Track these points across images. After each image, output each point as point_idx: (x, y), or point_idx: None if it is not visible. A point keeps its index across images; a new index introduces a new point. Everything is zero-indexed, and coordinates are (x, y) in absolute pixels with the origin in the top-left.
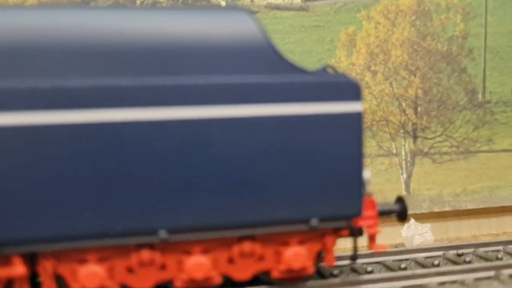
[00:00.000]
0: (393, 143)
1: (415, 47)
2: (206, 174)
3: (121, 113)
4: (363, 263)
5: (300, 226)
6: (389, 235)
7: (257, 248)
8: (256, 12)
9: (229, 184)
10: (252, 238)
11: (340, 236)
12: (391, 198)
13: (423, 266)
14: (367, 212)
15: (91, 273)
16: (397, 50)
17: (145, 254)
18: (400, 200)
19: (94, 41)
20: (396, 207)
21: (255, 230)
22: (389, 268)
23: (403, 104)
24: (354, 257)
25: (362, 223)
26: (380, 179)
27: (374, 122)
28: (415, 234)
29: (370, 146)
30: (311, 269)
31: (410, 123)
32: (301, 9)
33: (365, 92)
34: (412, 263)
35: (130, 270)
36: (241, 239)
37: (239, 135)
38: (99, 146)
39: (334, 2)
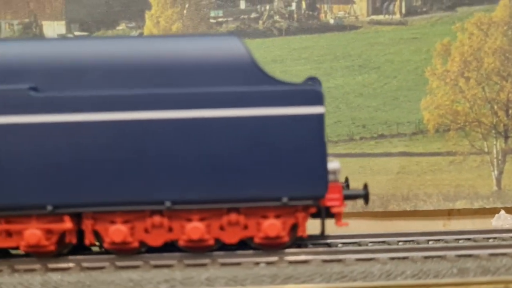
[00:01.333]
0: (485, 142)
1: (507, 54)
2: (201, 160)
3: (142, 114)
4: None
5: (274, 203)
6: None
7: (241, 219)
8: (359, 27)
9: (218, 168)
10: (237, 211)
11: (309, 213)
12: (482, 192)
13: None
14: (334, 195)
15: (118, 231)
16: (489, 57)
17: (156, 219)
18: (365, 187)
19: (127, 63)
20: (361, 192)
21: (239, 204)
22: None
23: (495, 107)
24: (322, 232)
25: (328, 203)
26: (472, 175)
27: (467, 123)
28: (504, 224)
29: (462, 145)
30: (285, 238)
31: (502, 124)
32: (400, 23)
33: (459, 96)
34: None
35: (146, 230)
36: (229, 211)
37: (226, 131)
38: (126, 138)
39: (430, 17)
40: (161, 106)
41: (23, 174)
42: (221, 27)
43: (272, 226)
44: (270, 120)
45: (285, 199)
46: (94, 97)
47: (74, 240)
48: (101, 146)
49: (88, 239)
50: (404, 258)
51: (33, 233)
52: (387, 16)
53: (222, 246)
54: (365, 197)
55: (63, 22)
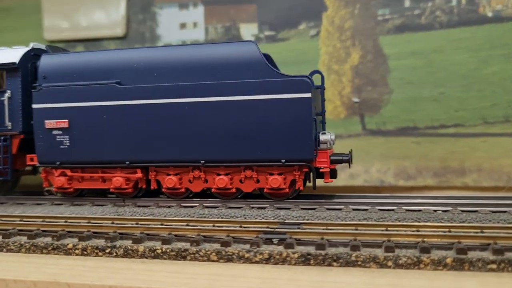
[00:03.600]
0: None
1: None
2: (225, 132)
3: (187, 99)
4: None
5: (276, 164)
6: None
7: (254, 174)
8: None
9: (237, 137)
10: (251, 169)
11: (304, 172)
12: None
13: None
14: (322, 159)
15: (170, 180)
16: None
17: (196, 172)
18: (349, 153)
19: (180, 63)
20: (344, 157)
21: (251, 164)
22: None
23: None
24: (313, 186)
25: (318, 165)
26: None
27: None
28: None
29: None
30: (286, 190)
31: None
32: None
33: None
34: None
35: (189, 180)
36: (245, 169)
37: (242, 111)
38: (177, 116)
39: None
40: (200, 94)
41: (112, 140)
42: (387, 23)
43: (275, 180)
44: (273, 102)
45: (283, 161)
46: (157, 87)
47: (144, 186)
48: (161, 122)
49: (152, 185)
50: None
51: (117, 179)
52: None
53: (241, 194)
54: (348, 161)
55: (256, 24)
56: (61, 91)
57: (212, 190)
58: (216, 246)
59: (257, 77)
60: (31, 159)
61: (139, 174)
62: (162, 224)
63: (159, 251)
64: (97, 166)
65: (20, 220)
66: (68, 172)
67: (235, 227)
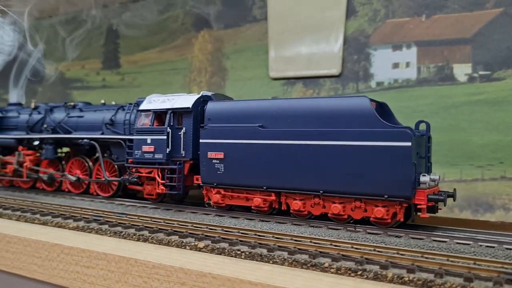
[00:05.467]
0: None
1: None
2: (340, 170)
3: (310, 142)
4: None
5: (380, 198)
6: None
7: (362, 205)
8: None
9: (350, 175)
10: (360, 200)
11: (404, 206)
12: None
13: None
14: (420, 197)
15: (297, 203)
16: None
17: (316, 200)
18: (451, 192)
19: (304, 112)
20: (440, 197)
21: (361, 196)
22: None
23: None
24: (412, 219)
25: (416, 201)
26: None
27: None
28: None
29: None
30: (389, 220)
31: None
32: None
33: None
34: None
35: (311, 205)
36: (355, 200)
37: (355, 153)
38: (302, 154)
39: None
40: (320, 138)
41: (254, 170)
42: None
43: (379, 211)
44: (379, 148)
45: (386, 196)
46: (289, 131)
47: (276, 206)
48: (291, 158)
49: (283, 206)
50: None
51: (257, 199)
52: None
53: (351, 220)
54: (443, 200)
55: (470, 64)
56: (220, 130)
57: (329, 214)
58: (459, 280)
59: (368, 127)
60: (197, 179)
61: (273, 197)
62: (397, 253)
63: (406, 279)
64: (243, 188)
65: (274, 237)
66: (222, 191)
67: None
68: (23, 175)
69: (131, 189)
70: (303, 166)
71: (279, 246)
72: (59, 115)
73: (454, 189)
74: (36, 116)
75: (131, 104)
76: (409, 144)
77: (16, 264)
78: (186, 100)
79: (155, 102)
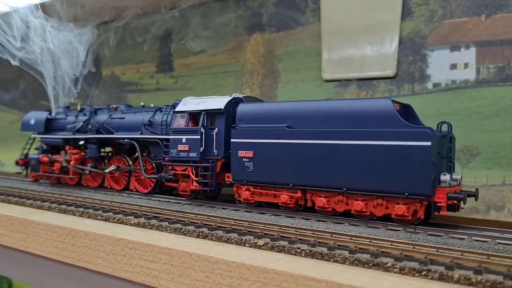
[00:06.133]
0: None
1: None
2: (363, 168)
3: (333, 141)
4: None
5: (401, 196)
6: None
7: (384, 202)
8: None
9: (372, 173)
10: (382, 198)
11: (424, 204)
12: None
13: None
14: (440, 195)
15: (321, 200)
16: None
17: (340, 197)
18: (471, 193)
19: (329, 114)
20: (460, 196)
21: (382, 194)
22: None
23: None
24: (431, 217)
25: (436, 199)
26: None
27: None
28: None
29: None
30: (410, 217)
31: None
32: None
33: None
34: None
35: (335, 202)
36: (378, 197)
37: (378, 152)
38: (326, 153)
39: None
40: (344, 138)
41: (281, 168)
42: None
43: (400, 208)
44: (401, 147)
45: (406, 194)
46: (315, 131)
47: (302, 203)
48: (316, 156)
49: (308, 203)
50: None
51: (284, 196)
52: None
53: (374, 217)
54: (463, 199)
55: None
56: (249, 130)
57: (352, 211)
58: None
59: (390, 127)
60: (228, 177)
61: (299, 194)
62: (461, 255)
63: (473, 280)
64: (271, 186)
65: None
66: (251, 188)
67: None
68: (69, 172)
69: (167, 186)
70: (328, 164)
71: (339, 245)
72: (102, 117)
73: (476, 189)
74: (82, 118)
75: (168, 106)
76: (429, 143)
77: (81, 258)
78: (218, 102)
79: (190, 104)
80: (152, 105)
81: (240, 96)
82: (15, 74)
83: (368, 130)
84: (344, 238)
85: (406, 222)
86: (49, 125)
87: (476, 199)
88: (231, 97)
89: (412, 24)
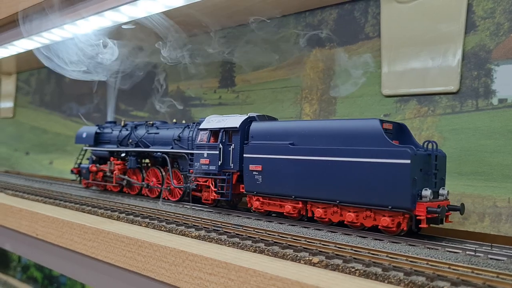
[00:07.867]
0: None
1: None
2: (352, 183)
3: (326, 158)
4: None
5: (385, 208)
6: None
7: (372, 214)
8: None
9: (360, 188)
10: (370, 210)
11: (407, 217)
12: None
13: None
14: (420, 209)
15: (319, 211)
16: None
17: (334, 209)
18: (455, 207)
19: (322, 132)
20: (438, 210)
21: (370, 206)
22: None
23: None
24: (414, 228)
25: (416, 213)
26: None
27: None
28: None
29: None
30: (394, 229)
31: None
32: None
33: None
34: None
35: (331, 213)
36: (367, 209)
37: (362, 168)
38: (322, 169)
39: None
40: (336, 154)
41: (285, 181)
42: None
43: (385, 220)
44: (383, 165)
45: (390, 207)
46: (314, 148)
47: (304, 213)
48: (314, 171)
49: (309, 213)
50: None
51: (288, 206)
52: None
53: (364, 228)
54: (440, 213)
55: None
56: (259, 146)
57: (345, 222)
58: None
59: (376, 146)
60: (242, 188)
61: (300, 205)
62: (473, 272)
63: None
64: (277, 197)
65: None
66: (261, 199)
67: None
68: (113, 181)
69: (194, 195)
70: (324, 178)
71: (393, 266)
72: (141, 132)
73: (462, 204)
74: (124, 132)
75: (194, 123)
76: (408, 161)
77: (146, 267)
78: (235, 121)
79: (212, 122)
80: (183, 121)
81: (254, 114)
82: (89, 89)
83: (357, 148)
84: (400, 259)
85: (391, 233)
86: (98, 139)
87: (461, 213)
88: (246, 116)
89: (476, 38)
